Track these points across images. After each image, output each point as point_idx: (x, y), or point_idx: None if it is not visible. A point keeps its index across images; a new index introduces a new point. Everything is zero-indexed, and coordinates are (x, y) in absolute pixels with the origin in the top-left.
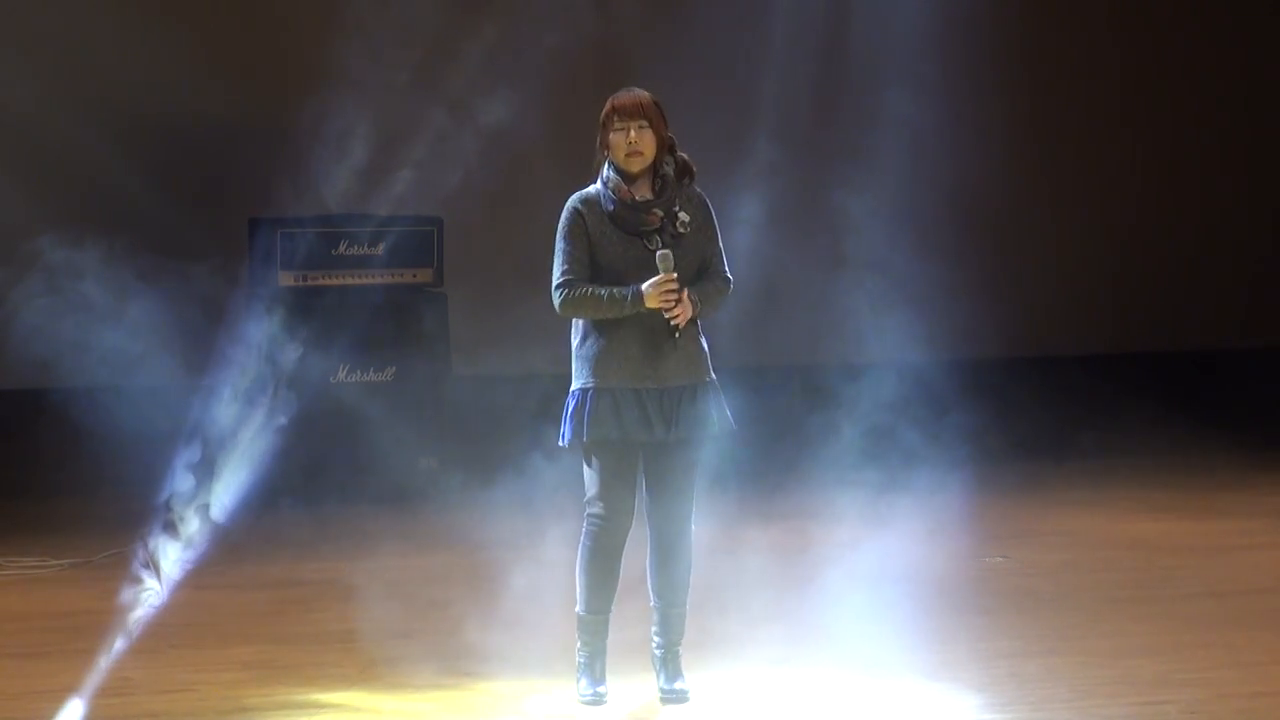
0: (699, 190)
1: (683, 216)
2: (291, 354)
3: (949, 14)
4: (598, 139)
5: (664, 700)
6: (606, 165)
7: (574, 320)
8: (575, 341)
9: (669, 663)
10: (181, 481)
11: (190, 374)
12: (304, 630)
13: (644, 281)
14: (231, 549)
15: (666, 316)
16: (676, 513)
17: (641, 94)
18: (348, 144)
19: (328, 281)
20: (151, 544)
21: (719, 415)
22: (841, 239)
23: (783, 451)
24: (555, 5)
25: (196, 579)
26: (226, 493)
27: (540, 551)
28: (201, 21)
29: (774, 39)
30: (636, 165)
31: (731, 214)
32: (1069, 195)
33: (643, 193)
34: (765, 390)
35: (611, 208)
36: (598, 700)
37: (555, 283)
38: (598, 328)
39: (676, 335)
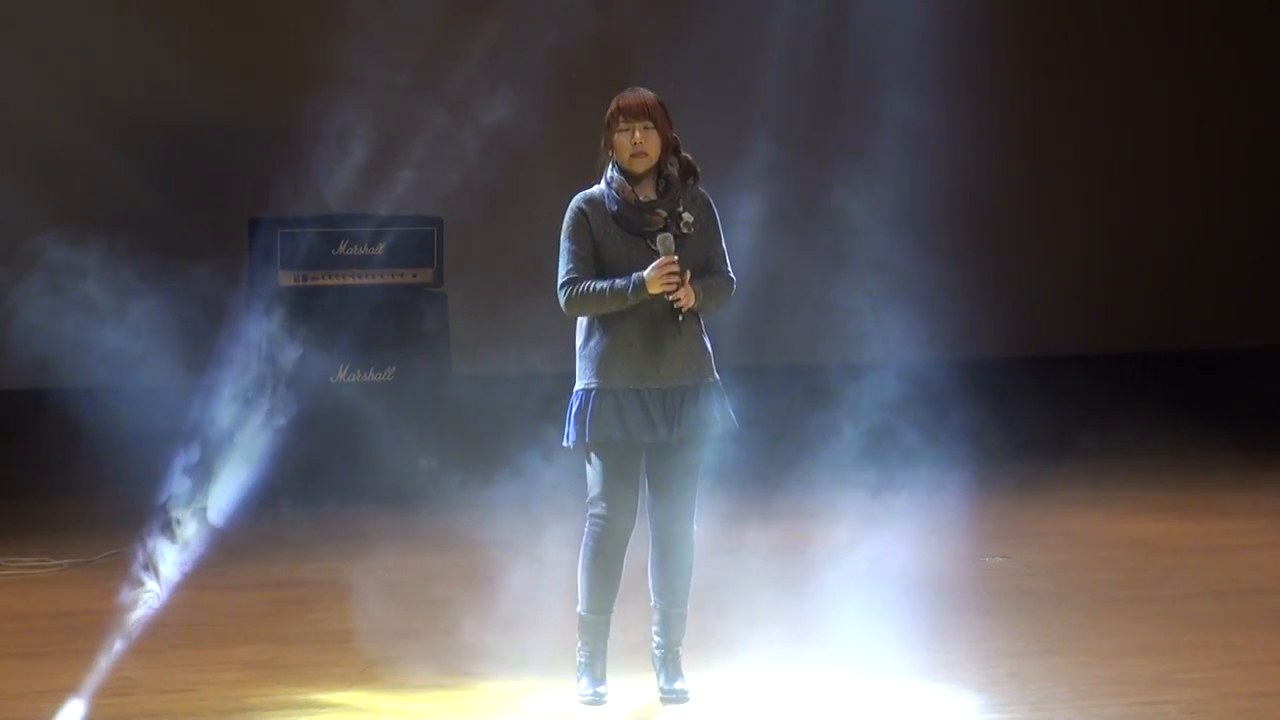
0: (703, 191)
1: (686, 217)
2: (291, 354)
3: (949, 14)
4: (602, 139)
5: (664, 700)
6: (611, 166)
7: (579, 319)
8: (579, 341)
9: (669, 663)
10: (180, 483)
11: (190, 374)
12: (304, 630)
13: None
14: (231, 549)
15: (669, 299)
16: (678, 513)
17: (646, 94)
18: (348, 144)
19: (328, 281)
20: (150, 546)
21: (722, 415)
22: (841, 239)
23: (783, 451)
24: (555, 5)
25: (196, 579)
26: (225, 495)
27: (540, 551)
28: (201, 21)
29: (774, 39)
30: (641, 166)
31: (731, 214)
32: (1069, 195)
33: (647, 193)
34: (765, 390)
35: (615, 208)
36: (598, 700)
37: (560, 282)
38: (601, 327)
39: (680, 319)
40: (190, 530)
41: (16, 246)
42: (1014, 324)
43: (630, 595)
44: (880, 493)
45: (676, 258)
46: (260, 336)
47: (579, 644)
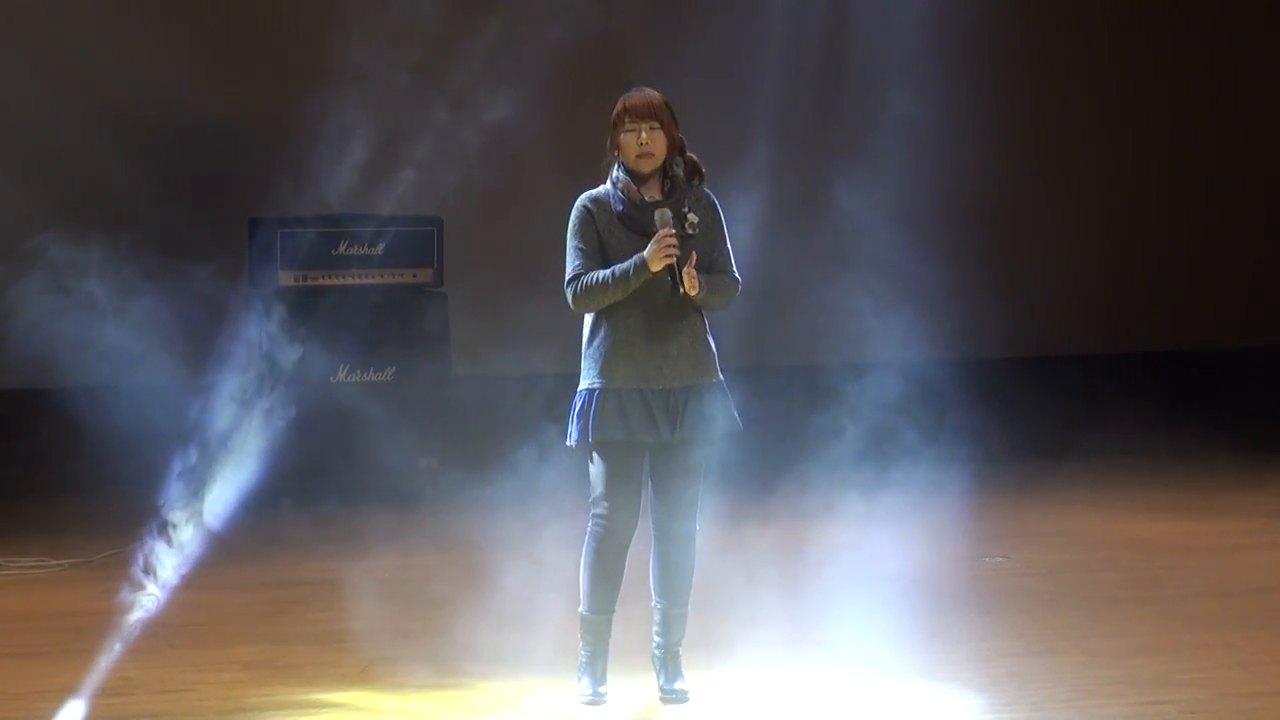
0: (708, 191)
1: (691, 217)
2: (291, 354)
3: (949, 14)
4: (608, 139)
5: (664, 700)
6: (616, 166)
7: (585, 318)
8: (584, 340)
9: (669, 663)
10: (178, 484)
11: (190, 374)
12: (304, 630)
13: (653, 281)
14: (231, 549)
15: (671, 263)
16: (680, 513)
17: (653, 94)
18: (348, 143)
19: (328, 281)
20: (148, 548)
21: (725, 415)
22: (842, 239)
23: (783, 452)
24: (555, 4)
25: (196, 580)
26: (223, 496)
27: (540, 551)
28: (201, 21)
29: (774, 38)
30: (647, 166)
31: (732, 214)
32: (1069, 195)
33: (652, 193)
34: (766, 390)
35: (620, 208)
36: (598, 700)
37: (567, 279)
38: (605, 326)
39: (682, 290)
40: (189, 531)
41: (16, 245)
42: (1014, 324)
43: (630, 595)
44: (880, 493)
45: (674, 230)
46: (260, 336)
47: (580, 644)
